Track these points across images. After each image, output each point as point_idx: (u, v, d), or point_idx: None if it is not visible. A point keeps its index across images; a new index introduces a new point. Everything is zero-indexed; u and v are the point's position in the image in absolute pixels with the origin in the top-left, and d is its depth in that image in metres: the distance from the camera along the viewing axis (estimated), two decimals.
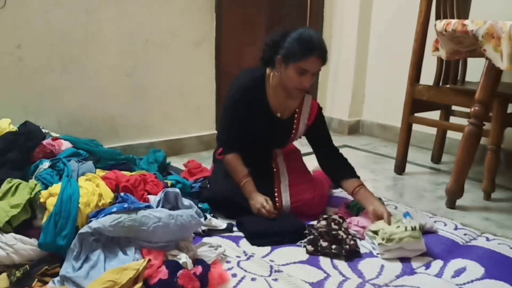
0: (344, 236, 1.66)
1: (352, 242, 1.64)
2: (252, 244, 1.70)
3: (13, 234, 1.48)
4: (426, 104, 2.54)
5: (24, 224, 1.54)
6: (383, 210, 1.75)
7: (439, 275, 1.53)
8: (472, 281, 1.49)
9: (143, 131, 2.71)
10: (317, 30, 3.41)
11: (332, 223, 1.71)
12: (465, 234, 1.83)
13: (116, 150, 2.26)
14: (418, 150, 3.07)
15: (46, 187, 1.64)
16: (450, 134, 2.80)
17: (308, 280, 1.46)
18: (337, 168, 1.99)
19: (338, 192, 2.20)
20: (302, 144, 2.13)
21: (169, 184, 1.95)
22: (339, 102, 3.61)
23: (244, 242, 1.71)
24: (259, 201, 1.84)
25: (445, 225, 1.92)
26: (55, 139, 2.04)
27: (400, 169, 2.65)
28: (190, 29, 2.76)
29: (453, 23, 1.98)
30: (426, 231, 1.76)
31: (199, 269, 1.37)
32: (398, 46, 3.20)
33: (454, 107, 2.72)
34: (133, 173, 1.89)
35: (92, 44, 2.43)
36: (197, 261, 1.45)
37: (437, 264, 1.60)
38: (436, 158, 2.87)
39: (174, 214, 1.48)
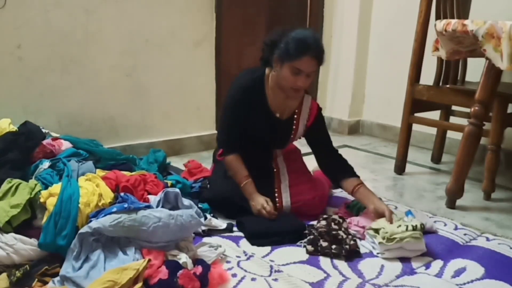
0: (344, 236, 1.66)
1: (352, 242, 1.64)
2: (252, 244, 1.70)
3: (13, 234, 1.48)
4: (426, 104, 2.54)
5: (24, 224, 1.54)
6: (384, 208, 1.75)
7: (439, 275, 1.53)
8: (472, 281, 1.49)
9: (143, 131, 2.71)
10: (317, 30, 3.43)
11: (332, 223, 1.71)
12: (465, 234, 1.83)
13: (116, 150, 2.26)
14: (418, 150, 3.06)
15: (46, 187, 1.64)
16: (450, 134, 2.80)
17: (308, 280, 1.46)
18: (337, 168, 1.99)
19: (338, 192, 2.20)
20: (302, 144, 2.13)
21: (169, 184, 1.95)
22: (339, 102, 3.61)
23: (244, 242, 1.71)
24: (260, 202, 1.84)
25: (445, 225, 1.92)
26: (55, 139, 2.04)
27: (400, 169, 2.65)
28: (190, 29, 2.76)
29: (453, 23, 1.98)
30: (426, 231, 1.76)
31: (199, 269, 1.37)
32: (398, 46, 3.20)
33: (454, 107, 2.72)
34: (133, 173, 1.89)
35: (92, 44, 2.43)
36: (197, 261, 1.45)
37: (437, 264, 1.60)
38: (436, 158, 2.87)
39: (174, 214, 1.48)
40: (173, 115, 2.81)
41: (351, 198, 2.03)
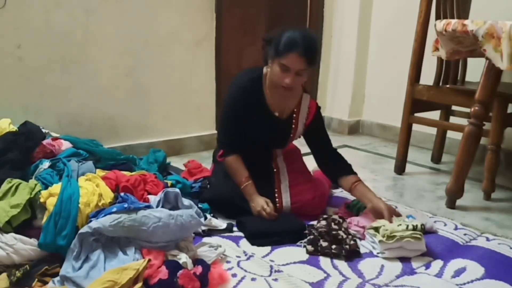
0: (344, 236, 1.66)
1: (352, 242, 1.64)
2: (252, 244, 1.70)
3: (13, 234, 1.48)
4: (426, 104, 2.54)
5: (24, 224, 1.54)
6: (382, 207, 1.75)
7: (439, 275, 1.53)
8: (472, 281, 1.49)
9: (143, 131, 2.71)
10: (317, 30, 3.43)
11: (332, 223, 1.71)
12: (465, 234, 1.83)
13: (116, 150, 2.25)
14: (418, 150, 3.06)
15: (46, 187, 1.64)
16: (450, 134, 2.80)
17: (308, 280, 1.46)
18: (335, 166, 2.00)
19: (338, 192, 2.20)
20: (302, 144, 2.13)
21: (169, 184, 1.95)
22: (339, 102, 3.61)
23: (244, 242, 1.71)
24: (260, 203, 1.84)
25: (445, 225, 1.92)
26: (55, 139, 2.04)
27: (400, 169, 2.65)
28: (190, 29, 2.76)
29: (453, 23, 1.98)
30: (426, 231, 1.76)
31: (199, 269, 1.37)
32: (398, 46, 3.20)
33: (454, 107, 2.72)
34: (133, 173, 1.89)
35: (92, 44, 2.43)
36: (197, 261, 1.45)
37: (437, 264, 1.60)
38: (436, 158, 2.87)
39: (174, 214, 1.48)
40: (173, 115, 2.81)
41: (351, 198, 2.03)
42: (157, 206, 1.58)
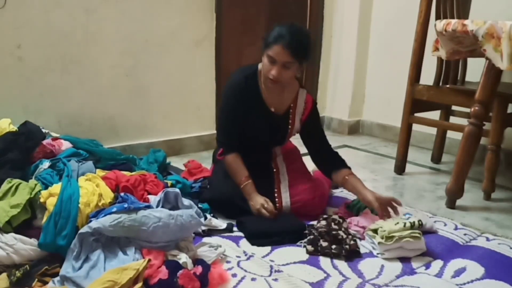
0: (344, 236, 1.66)
1: (352, 242, 1.64)
2: (252, 244, 1.70)
3: (13, 234, 1.48)
4: (426, 104, 2.54)
5: (24, 224, 1.54)
6: (371, 200, 1.77)
7: (439, 275, 1.53)
8: (472, 281, 1.49)
9: (143, 131, 2.71)
10: (317, 30, 3.43)
11: (332, 223, 1.71)
12: (465, 234, 1.83)
13: (116, 150, 2.26)
14: (418, 150, 3.06)
15: (46, 187, 1.64)
16: (450, 134, 2.80)
17: (308, 280, 1.46)
18: (328, 161, 2.00)
19: (338, 192, 2.20)
20: (301, 144, 2.13)
21: (169, 184, 1.95)
22: (339, 102, 3.61)
23: (244, 242, 1.71)
24: (259, 202, 1.84)
25: (445, 225, 1.92)
26: (55, 139, 2.04)
27: (400, 169, 2.65)
28: (190, 29, 2.76)
29: (453, 23, 1.98)
30: (426, 231, 1.76)
31: (199, 269, 1.37)
32: (398, 46, 3.20)
33: (454, 107, 2.72)
34: (133, 173, 1.89)
35: (92, 44, 2.43)
36: (197, 261, 1.45)
37: (437, 264, 1.60)
38: (436, 158, 2.87)
39: (174, 214, 1.48)
40: (173, 115, 2.81)
41: (351, 198, 2.03)
42: (157, 206, 1.58)
